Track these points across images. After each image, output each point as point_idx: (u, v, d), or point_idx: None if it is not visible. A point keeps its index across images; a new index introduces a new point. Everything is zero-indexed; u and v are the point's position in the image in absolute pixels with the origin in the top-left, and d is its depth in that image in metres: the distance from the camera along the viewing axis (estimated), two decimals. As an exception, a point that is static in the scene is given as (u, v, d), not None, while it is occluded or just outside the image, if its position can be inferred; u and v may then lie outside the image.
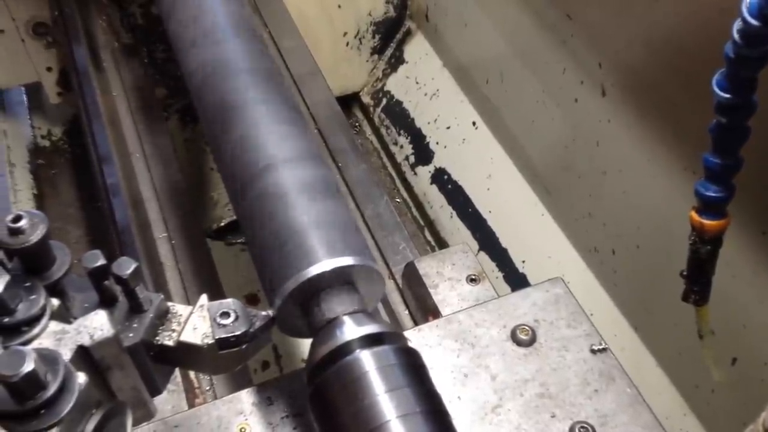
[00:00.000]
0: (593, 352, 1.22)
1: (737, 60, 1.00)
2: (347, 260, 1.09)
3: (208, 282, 1.70)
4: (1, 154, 2.75)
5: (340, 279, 1.09)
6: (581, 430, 1.12)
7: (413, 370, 1.01)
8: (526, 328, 1.24)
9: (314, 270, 1.07)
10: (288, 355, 2.41)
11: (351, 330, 1.03)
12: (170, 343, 0.98)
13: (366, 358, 1.00)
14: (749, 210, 1.47)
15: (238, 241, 2.75)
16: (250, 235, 1.20)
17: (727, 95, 1.03)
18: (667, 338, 1.83)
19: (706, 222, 1.15)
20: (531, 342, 1.23)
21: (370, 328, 1.03)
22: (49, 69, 2.59)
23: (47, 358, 0.81)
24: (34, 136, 2.91)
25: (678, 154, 1.70)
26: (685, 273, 1.24)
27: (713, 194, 1.13)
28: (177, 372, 1.30)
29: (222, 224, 2.76)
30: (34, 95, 2.91)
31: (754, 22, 0.94)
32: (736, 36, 0.98)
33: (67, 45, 2.32)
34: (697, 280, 1.23)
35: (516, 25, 2.27)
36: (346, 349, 1.01)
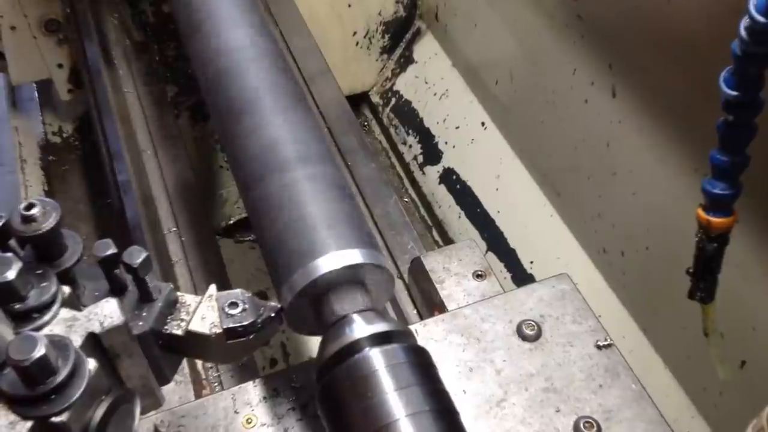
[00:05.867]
0: (598, 347, 1.22)
1: (744, 57, 1.01)
2: (357, 258, 1.09)
3: (217, 279, 1.70)
4: (13, 150, 2.77)
5: (350, 277, 1.09)
6: (586, 425, 1.12)
7: (422, 369, 1.02)
8: (532, 323, 1.25)
9: (324, 268, 1.07)
10: (296, 353, 2.42)
11: (360, 328, 1.03)
12: (179, 332, 0.99)
13: (375, 356, 1.00)
14: (760, 211, 1.47)
15: (248, 238, 2.75)
16: (259, 230, 1.21)
17: (734, 92, 1.04)
18: (676, 340, 1.83)
19: (713, 219, 1.16)
20: (536, 337, 1.23)
21: (380, 327, 1.03)
22: (60, 66, 2.60)
23: (58, 344, 0.82)
24: (45, 132, 2.91)
25: (689, 155, 1.70)
26: (691, 270, 1.25)
27: (720, 191, 1.13)
28: (184, 363, 1.31)
29: (231, 222, 2.77)
30: (45, 92, 2.92)
31: (761, 19, 0.95)
32: (743, 33, 0.98)
33: (78, 42, 2.33)
34: (703, 277, 1.23)
35: (526, 25, 2.27)
36: (355, 347, 1.01)
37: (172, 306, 1.01)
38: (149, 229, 1.79)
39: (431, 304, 1.42)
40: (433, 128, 2.81)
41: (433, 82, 2.84)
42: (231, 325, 0.99)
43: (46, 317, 0.87)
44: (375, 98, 3.12)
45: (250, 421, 1.14)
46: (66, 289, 0.91)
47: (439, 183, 2.72)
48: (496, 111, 2.54)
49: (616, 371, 1.19)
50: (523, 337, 1.23)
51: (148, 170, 1.95)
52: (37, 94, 2.96)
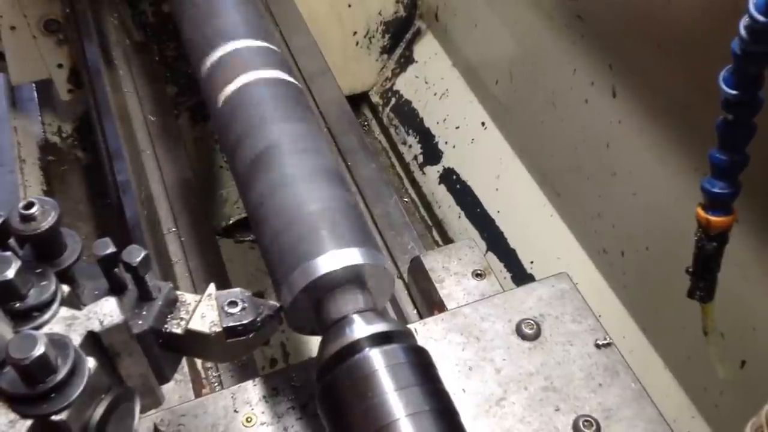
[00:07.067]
0: (598, 346, 1.22)
1: (744, 56, 1.01)
2: (357, 258, 1.09)
3: (216, 279, 1.69)
4: (12, 150, 2.77)
5: (350, 277, 1.09)
6: (585, 423, 1.13)
7: (422, 369, 1.02)
8: (531, 322, 1.25)
9: (324, 267, 1.07)
10: (296, 352, 2.42)
11: (360, 328, 1.03)
12: (178, 330, 0.99)
13: (375, 357, 1.00)
14: (759, 211, 1.47)
15: (247, 238, 2.76)
16: (258, 229, 1.21)
17: (734, 91, 1.04)
18: (676, 340, 1.83)
19: (712, 218, 1.16)
20: (536, 336, 1.23)
21: (380, 327, 1.04)
22: (60, 66, 2.60)
23: (58, 342, 0.82)
24: (45, 132, 2.91)
25: (689, 155, 1.70)
26: (690, 269, 1.25)
27: (719, 191, 1.13)
28: (184, 362, 1.31)
29: (231, 222, 2.77)
30: (44, 92, 2.92)
31: (760, 18, 0.95)
32: (742, 32, 0.98)
33: (78, 42, 2.33)
34: (703, 276, 1.23)
35: (526, 25, 2.28)
36: (355, 347, 1.02)
37: (171, 305, 1.01)
38: (149, 229, 1.79)
39: (431, 303, 1.42)
40: (433, 128, 2.81)
41: (433, 82, 2.84)
42: (230, 324, 1.00)
43: (46, 316, 0.87)
44: (375, 98, 3.12)
45: (249, 419, 1.14)
46: (65, 288, 0.91)
47: (439, 183, 2.72)
48: (496, 111, 2.54)
49: (615, 370, 1.19)
50: (523, 336, 1.24)
51: (148, 170, 1.94)
52: (36, 95, 2.95)
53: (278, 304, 1.05)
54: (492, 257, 2.41)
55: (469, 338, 1.23)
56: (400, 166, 2.97)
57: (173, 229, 1.79)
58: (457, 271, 1.42)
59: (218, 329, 0.99)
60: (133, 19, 2.40)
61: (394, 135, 2.98)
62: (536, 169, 2.36)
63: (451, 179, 2.67)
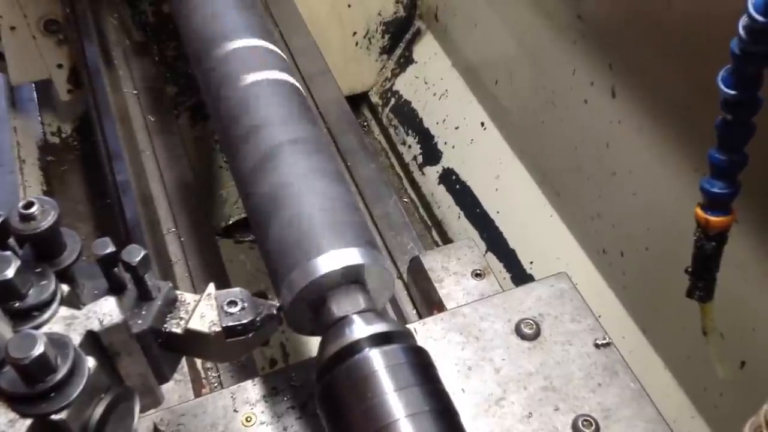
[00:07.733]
0: (597, 346, 1.22)
1: (743, 56, 1.01)
2: (357, 258, 1.09)
3: (216, 279, 1.69)
4: (12, 150, 2.77)
5: (350, 277, 1.09)
6: (584, 423, 1.12)
7: (422, 369, 1.02)
8: (531, 322, 1.25)
9: (324, 267, 1.07)
10: (296, 353, 2.42)
11: (360, 328, 1.03)
12: (178, 330, 0.99)
13: (375, 357, 1.00)
14: (759, 210, 1.47)
15: (247, 239, 2.76)
16: (258, 229, 1.21)
17: (733, 91, 1.04)
18: (676, 340, 1.83)
19: (711, 218, 1.16)
20: (535, 336, 1.23)
21: (379, 327, 1.03)
22: (59, 66, 2.60)
23: (57, 342, 0.82)
24: (44, 132, 2.92)
25: (688, 155, 1.70)
26: (689, 269, 1.25)
27: (718, 190, 1.13)
28: (183, 362, 1.31)
29: (231, 222, 2.78)
30: (44, 92, 2.92)
31: (759, 18, 0.95)
32: (741, 32, 0.99)
33: (78, 42, 2.33)
34: (702, 276, 1.23)
35: (526, 25, 2.28)
36: (355, 347, 1.01)
37: (171, 304, 1.01)
38: (148, 229, 1.79)
39: (430, 303, 1.42)
40: (432, 128, 2.81)
41: (433, 82, 2.85)
42: (230, 324, 1.00)
43: (46, 315, 0.87)
44: (374, 98, 3.12)
45: (249, 419, 1.14)
46: (65, 288, 0.91)
47: (439, 183, 2.72)
48: (496, 111, 2.54)
49: (614, 370, 1.19)
50: (522, 336, 1.24)
51: (148, 170, 1.94)
52: (36, 95, 2.96)
53: (278, 304, 1.06)
54: (491, 257, 2.41)
55: (468, 338, 1.23)
56: (399, 166, 2.97)
57: (173, 229, 1.79)
58: (456, 271, 1.42)
59: (218, 329, 0.99)
60: (133, 19, 2.40)
61: (393, 135, 2.98)
62: (536, 169, 2.36)
63: (450, 179, 2.67)
